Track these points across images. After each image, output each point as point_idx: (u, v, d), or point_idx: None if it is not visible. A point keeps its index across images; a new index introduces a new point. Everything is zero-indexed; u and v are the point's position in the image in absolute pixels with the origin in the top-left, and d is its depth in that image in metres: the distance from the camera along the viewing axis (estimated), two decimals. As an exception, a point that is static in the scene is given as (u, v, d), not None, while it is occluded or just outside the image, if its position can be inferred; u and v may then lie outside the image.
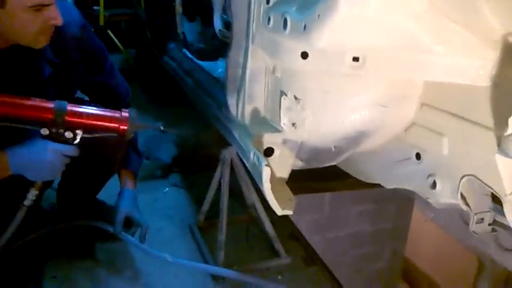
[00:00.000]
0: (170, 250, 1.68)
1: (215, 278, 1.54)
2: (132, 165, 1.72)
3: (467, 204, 1.16)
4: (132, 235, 1.45)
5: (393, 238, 4.31)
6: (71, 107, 1.31)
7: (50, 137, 1.29)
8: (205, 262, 1.60)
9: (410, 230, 4.36)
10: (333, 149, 1.32)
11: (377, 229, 4.15)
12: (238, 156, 1.53)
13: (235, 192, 1.76)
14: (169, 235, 1.78)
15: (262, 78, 1.35)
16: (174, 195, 2.11)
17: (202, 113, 1.96)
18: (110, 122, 1.34)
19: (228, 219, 1.85)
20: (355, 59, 1.09)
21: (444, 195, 1.17)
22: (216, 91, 1.77)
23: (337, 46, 1.03)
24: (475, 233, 1.24)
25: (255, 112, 1.39)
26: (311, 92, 1.20)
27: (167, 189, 2.15)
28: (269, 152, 1.33)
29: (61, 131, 1.29)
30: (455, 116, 1.09)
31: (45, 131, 1.28)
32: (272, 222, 1.85)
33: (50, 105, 1.28)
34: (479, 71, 0.97)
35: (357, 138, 1.27)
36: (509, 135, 0.83)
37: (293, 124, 1.27)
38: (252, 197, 1.58)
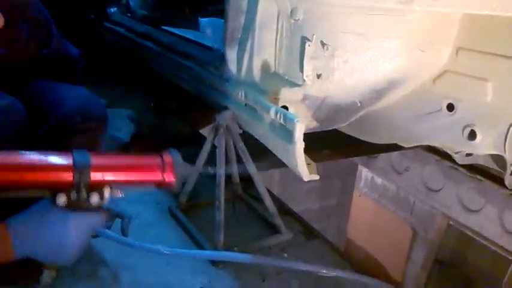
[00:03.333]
0: (153, 238, 1.44)
1: (215, 263, 1.34)
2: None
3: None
4: (109, 229, 1.14)
5: (337, 214, 4.37)
6: (96, 159, 0.91)
7: (69, 206, 0.89)
8: (200, 247, 1.39)
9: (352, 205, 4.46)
10: (359, 105, 1.19)
11: (323, 206, 4.18)
12: (235, 121, 1.33)
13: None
14: (147, 222, 1.54)
15: (274, 24, 1.17)
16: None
17: (173, 79, 1.72)
18: (150, 173, 0.97)
19: (208, 200, 1.65)
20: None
21: (484, 146, 1.10)
22: (195, 51, 1.54)
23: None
24: (510, 185, 1.19)
25: (265, 66, 1.21)
26: (344, 35, 1.05)
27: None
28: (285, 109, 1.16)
29: (84, 195, 0.90)
30: (502, 56, 1.01)
31: (61, 199, 0.88)
32: (255, 198, 1.69)
33: (66, 161, 0.88)
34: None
35: (386, 88, 1.15)
36: None
37: (318, 76, 1.11)
38: (249, 169, 1.39)
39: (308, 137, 1.21)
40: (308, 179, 1.12)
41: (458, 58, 1.09)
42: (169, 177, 0.97)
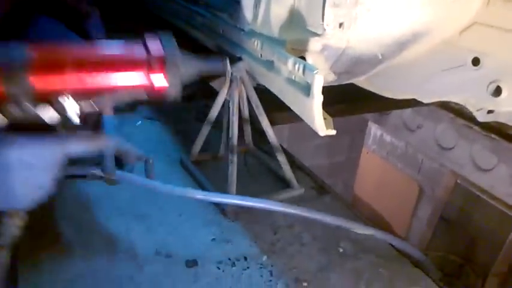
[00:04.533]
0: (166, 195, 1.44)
1: (227, 214, 1.34)
2: None
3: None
4: (130, 171, 1.13)
5: (345, 171, 4.38)
6: (39, 54, 0.60)
7: (14, 127, 0.60)
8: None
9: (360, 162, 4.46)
10: (380, 57, 1.14)
11: (332, 162, 4.18)
12: (249, 73, 1.29)
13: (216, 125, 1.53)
14: (158, 173, 1.52)
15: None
16: (150, 129, 1.82)
17: (184, 27, 1.66)
18: (129, 74, 0.65)
19: (218, 153, 1.64)
20: None
21: (510, 103, 1.05)
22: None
23: None
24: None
25: (283, 14, 1.15)
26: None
27: (140, 122, 1.84)
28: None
29: (27, 108, 0.59)
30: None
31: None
32: (266, 152, 1.68)
33: None
34: None
35: (409, 40, 1.10)
36: None
37: (340, 25, 1.05)
38: (263, 123, 1.36)
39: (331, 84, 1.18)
40: (324, 134, 1.09)
41: (489, 9, 1.03)
42: (160, 80, 0.63)
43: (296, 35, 1.12)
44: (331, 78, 1.23)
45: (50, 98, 0.61)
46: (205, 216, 1.36)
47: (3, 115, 0.59)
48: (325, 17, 1.05)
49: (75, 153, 0.68)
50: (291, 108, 1.20)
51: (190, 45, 1.91)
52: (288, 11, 1.14)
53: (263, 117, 1.39)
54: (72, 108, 0.62)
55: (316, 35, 1.09)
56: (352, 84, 1.38)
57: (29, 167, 0.61)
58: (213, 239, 1.28)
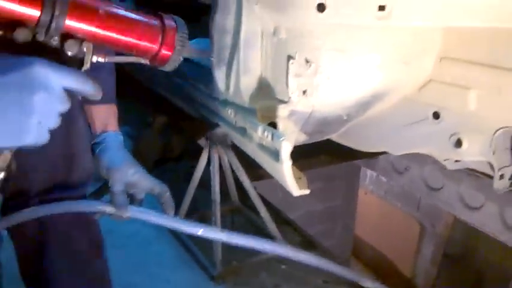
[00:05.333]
0: (154, 255, 1.47)
1: (215, 278, 1.36)
2: (109, 92, 1.04)
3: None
4: (140, 205, 0.96)
5: (343, 214, 4.37)
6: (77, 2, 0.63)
7: (33, 48, 0.59)
8: (200, 263, 1.41)
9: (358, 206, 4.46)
10: (345, 118, 1.20)
11: (328, 207, 4.18)
12: (227, 138, 1.35)
13: (205, 184, 1.58)
14: (147, 239, 1.56)
15: (259, 43, 1.18)
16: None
17: (167, 96, 1.74)
18: (145, 38, 0.69)
19: (207, 212, 1.67)
20: (381, 7, 0.97)
21: (471, 153, 1.11)
22: (186, 68, 1.57)
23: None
24: (498, 190, 1.20)
25: (252, 84, 1.22)
26: (326, 52, 1.07)
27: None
28: (273, 126, 1.18)
29: (54, 35, 0.61)
30: (484, 65, 1.02)
31: (21, 33, 0.58)
32: (253, 209, 1.71)
33: None
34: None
35: (371, 101, 1.17)
36: None
37: (304, 92, 1.12)
38: (244, 183, 1.41)
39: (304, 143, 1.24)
40: (298, 194, 1.14)
41: (442, 67, 1.10)
42: (167, 49, 0.71)
43: (265, 102, 1.19)
44: (303, 139, 1.29)
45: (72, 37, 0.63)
46: (191, 280, 1.38)
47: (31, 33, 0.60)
48: (289, 85, 1.12)
49: (72, 87, 0.57)
50: (266, 170, 1.25)
51: (178, 114, 2.00)
52: (256, 81, 1.22)
53: (244, 177, 1.44)
54: (88, 56, 0.64)
55: (283, 102, 1.16)
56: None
57: (43, 95, 0.53)
58: (201, 305, 1.30)
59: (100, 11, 0.64)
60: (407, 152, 1.30)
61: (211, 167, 1.38)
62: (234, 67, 1.23)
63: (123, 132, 1.10)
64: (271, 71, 1.18)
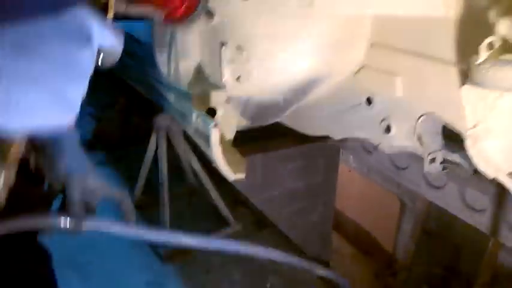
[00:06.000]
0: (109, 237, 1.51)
1: (163, 257, 1.41)
2: None
3: (421, 144, 1.13)
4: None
5: (324, 191, 4.43)
6: None
7: None
8: (152, 244, 1.45)
9: (338, 182, 4.52)
10: (282, 103, 1.22)
11: (308, 184, 4.23)
12: (175, 122, 1.37)
13: (171, 165, 1.60)
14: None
15: (196, 28, 1.19)
16: (100, 175, 1.89)
17: (123, 77, 1.75)
18: None
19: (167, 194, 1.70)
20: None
21: (399, 139, 1.13)
22: (137, 50, 1.57)
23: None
24: (429, 173, 1.23)
25: (190, 69, 1.24)
26: (256, 39, 1.08)
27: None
28: (211, 113, 1.20)
29: None
30: (409, 53, 1.03)
31: None
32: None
33: None
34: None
35: (306, 87, 1.18)
36: (480, 63, 0.78)
37: (237, 78, 1.14)
38: (194, 166, 1.44)
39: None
40: (233, 179, 1.17)
41: (372, 53, 1.12)
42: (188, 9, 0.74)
43: (202, 88, 1.21)
44: (245, 123, 1.31)
45: None
46: (141, 260, 1.42)
47: None
48: (223, 72, 1.14)
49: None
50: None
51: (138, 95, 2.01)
52: (194, 67, 1.23)
53: (193, 159, 1.46)
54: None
55: (219, 88, 1.18)
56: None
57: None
58: (148, 283, 1.34)
59: None
60: (346, 137, 1.32)
61: (158, 151, 1.40)
62: (173, 51, 1.24)
63: (85, 113, 1.05)
64: (207, 57, 1.20)
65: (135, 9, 0.69)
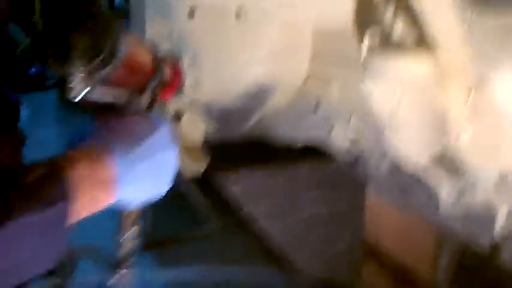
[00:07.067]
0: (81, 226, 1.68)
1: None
2: None
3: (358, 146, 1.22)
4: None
5: (350, 219, 4.38)
6: None
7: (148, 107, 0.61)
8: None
9: (368, 212, 4.45)
10: (241, 109, 1.35)
11: (333, 211, 4.22)
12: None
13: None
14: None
15: (165, 44, 1.37)
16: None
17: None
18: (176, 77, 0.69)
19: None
20: (238, 15, 1.13)
21: (339, 139, 1.22)
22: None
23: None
24: (372, 175, 1.30)
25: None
26: (204, 51, 1.24)
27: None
28: (178, 115, 1.36)
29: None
30: (337, 61, 1.14)
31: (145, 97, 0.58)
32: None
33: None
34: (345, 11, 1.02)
35: (259, 94, 1.31)
36: (365, 55, 0.87)
37: (195, 84, 1.30)
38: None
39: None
40: (190, 172, 1.30)
41: (314, 64, 1.24)
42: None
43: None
44: (215, 129, 1.45)
45: None
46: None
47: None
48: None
49: None
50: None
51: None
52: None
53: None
54: None
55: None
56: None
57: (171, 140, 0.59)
58: None
59: None
60: (305, 144, 1.42)
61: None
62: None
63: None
64: (174, 68, 1.37)
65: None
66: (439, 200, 1.18)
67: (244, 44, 1.21)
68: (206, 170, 1.74)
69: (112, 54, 0.43)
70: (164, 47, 1.37)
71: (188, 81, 1.29)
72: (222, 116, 1.39)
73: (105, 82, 0.48)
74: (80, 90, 0.42)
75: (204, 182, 1.66)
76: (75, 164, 0.48)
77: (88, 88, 0.43)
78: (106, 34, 0.43)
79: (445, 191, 1.13)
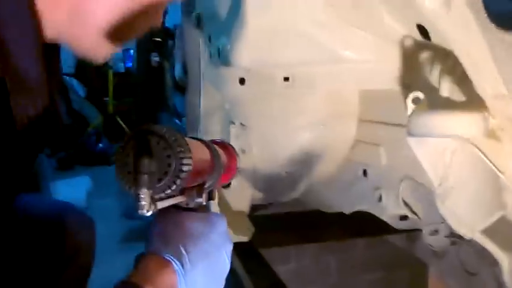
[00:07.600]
0: None
1: None
2: None
3: (414, 213, 1.15)
4: None
5: (412, 308, 4.02)
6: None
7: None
8: None
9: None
10: (285, 174, 1.35)
11: (392, 298, 3.90)
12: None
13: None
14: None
15: (217, 114, 1.44)
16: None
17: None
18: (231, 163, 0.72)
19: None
20: (286, 78, 1.17)
21: (390, 207, 1.17)
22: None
23: (261, 63, 1.12)
24: (431, 246, 1.21)
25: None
26: (253, 117, 1.27)
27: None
28: (227, 184, 1.37)
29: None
30: (384, 123, 1.13)
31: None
32: (250, 272, 1.80)
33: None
34: (391, 74, 1.02)
35: (305, 161, 1.30)
36: (410, 115, 0.86)
37: (243, 151, 1.32)
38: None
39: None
40: (235, 240, 1.27)
41: (361, 128, 1.23)
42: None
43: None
44: (260, 196, 1.44)
45: None
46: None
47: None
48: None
49: None
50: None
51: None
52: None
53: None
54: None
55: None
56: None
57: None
58: None
59: None
60: (354, 210, 1.36)
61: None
62: (200, 134, 1.48)
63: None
64: (225, 136, 1.41)
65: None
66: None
67: (291, 111, 1.23)
68: (252, 243, 1.70)
69: (177, 177, 0.46)
70: (217, 117, 1.44)
71: (237, 148, 1.32)
72: (266, 183, 1.39)
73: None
74: (148, 208, 0.46)
75: (250, 256, 1.62)
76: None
77: (155, 207, 0.47)
78: (171, 158, 0.46)
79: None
